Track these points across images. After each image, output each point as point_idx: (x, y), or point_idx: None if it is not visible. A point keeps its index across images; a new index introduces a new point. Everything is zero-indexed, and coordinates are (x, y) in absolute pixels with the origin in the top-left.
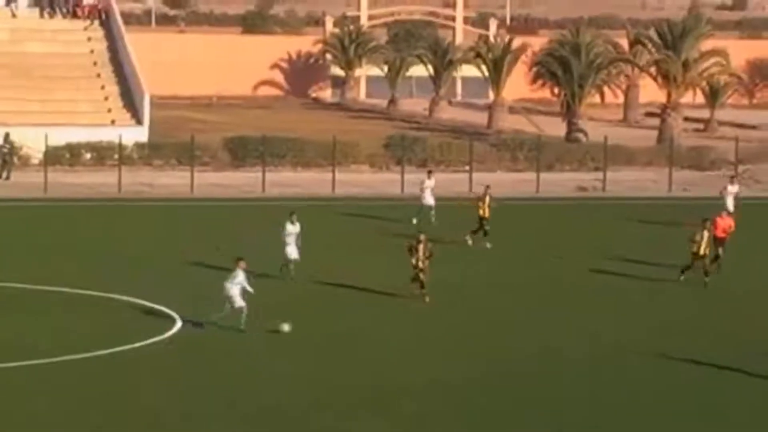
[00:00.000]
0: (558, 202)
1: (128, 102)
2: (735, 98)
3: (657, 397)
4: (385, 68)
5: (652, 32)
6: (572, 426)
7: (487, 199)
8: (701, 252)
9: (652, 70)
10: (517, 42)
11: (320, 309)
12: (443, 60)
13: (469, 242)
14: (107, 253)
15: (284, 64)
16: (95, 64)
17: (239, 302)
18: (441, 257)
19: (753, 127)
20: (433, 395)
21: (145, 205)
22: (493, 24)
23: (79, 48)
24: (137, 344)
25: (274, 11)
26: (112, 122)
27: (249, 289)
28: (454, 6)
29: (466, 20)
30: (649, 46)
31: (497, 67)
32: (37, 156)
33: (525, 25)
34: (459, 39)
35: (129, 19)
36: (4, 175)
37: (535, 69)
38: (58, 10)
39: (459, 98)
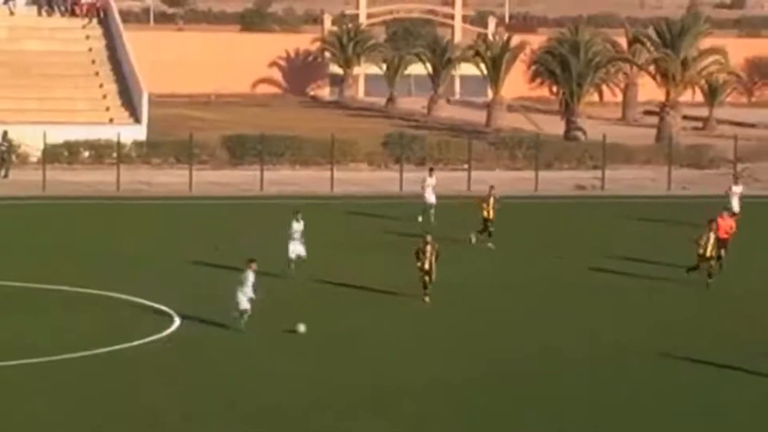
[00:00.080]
0: (557, 201)
1: (126, 100)
2: (734, 96)
3: (657, 397)
4: (384, 66)
5: (650, 31)
6: (572, 426)
7: (491, 200)
8: (707, 254)
9: (651, 68)
10: (515, 40)
11: (320, 308)
12: (442, 58)
13: (473, 240)
14: (105, 251)
15: (283, 63)
16: (93, 62)
17: (244, 305)
18: (442, 257)
19: (752, 126)
20: (433, 395)
21: (144, 203)
22: (491, 22)
23: (78, 46)
24: (135, 342)
25: (272, 9)
26: (111, 120)
27: (252, 295)
28: (452, 4)
29: (464, 18)
30: (648, 44)
31: (496, 65)
32: (35, 154)
33: (524, 24)
34: (458, 37)
35: (127, 17)
36: (3, 173)
37: (533, 67)
38: (56, 8)
39: (458, 97)
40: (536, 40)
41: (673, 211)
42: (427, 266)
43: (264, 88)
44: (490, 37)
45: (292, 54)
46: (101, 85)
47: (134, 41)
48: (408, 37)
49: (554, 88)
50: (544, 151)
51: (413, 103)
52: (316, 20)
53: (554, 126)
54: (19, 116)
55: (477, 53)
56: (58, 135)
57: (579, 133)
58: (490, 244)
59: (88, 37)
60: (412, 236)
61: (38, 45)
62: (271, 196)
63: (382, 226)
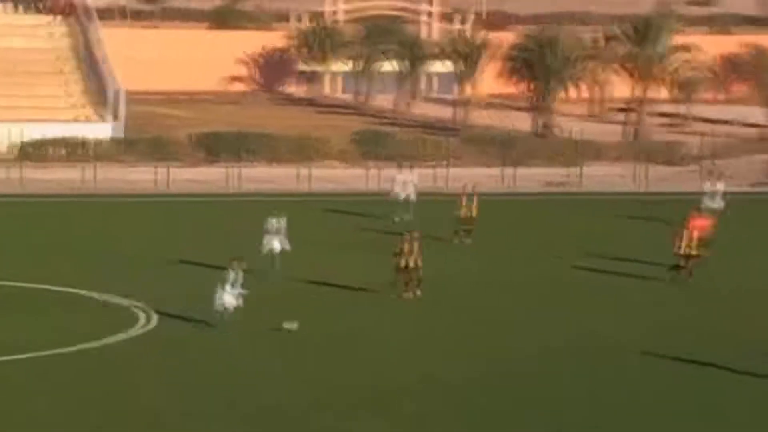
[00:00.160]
0: (529, 198)
1: (101, 98)
2: (706, 93)
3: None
4: (356, 64)
5: (623, 27)
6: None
7: (473, 198)
8: (683, 252)
9: (624, 65)
10: (488, 37)
11: (313, 307)
12: (414, 55)
13: (456, 240)
14: (81, 249)
15: (254, 60)
16: (67, 59)
17: (230, 301)
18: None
19: (724, 122)
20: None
21: (119, 201)
22: (465, 19)
23: (52, 43)
24: (107, 341)
25: (243, 7)
26: (85, 118)
27: (240, 291)
28: (427, 2)
29: (437, 16)
30: (620, 41)
31: (468, 62)
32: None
33: (497, 21)
34: (430, 34)
35: (102, 14)
36: None
37: (506, 64)
38: (32, 5)
39: (430, 93)
40: (509, 38)
41: (646, 207)
42: (411, 264)
43: (235, 86)
44: (463, 34)
45: (264, 51)
46: (75, 83)
47: (109, 38)
48: (380, 34)
49: (526, 85)
50: (516, 148)
51: (386, 100)
52: (287, 18)
53: (526, 123)
54: None
55: (449, 50)
56: (32, 132)
57: (551, 130)
58: (466, 240)
59: (62, 35)
60: (391, 234)
61: (12, 42)
62: (247, 194)
63: (359, 224)
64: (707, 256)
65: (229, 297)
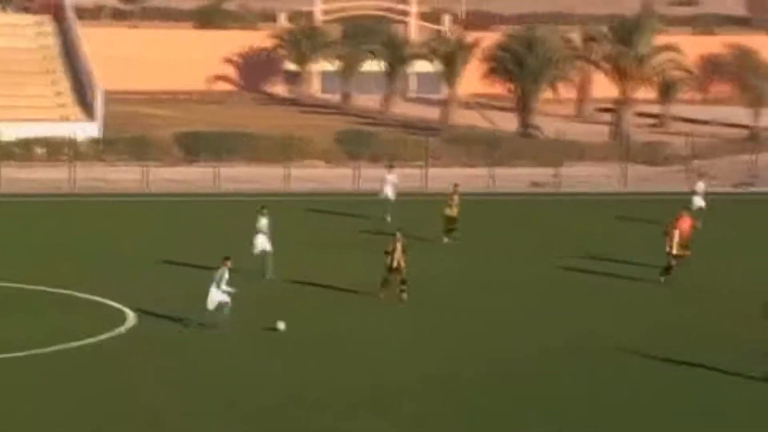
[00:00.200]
0: (513, 198)
1: (81, 97)
2: (688, 94)
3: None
4: (339, 63)
5: (605, 28)
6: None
7: (456, 197)
8: (675, 252)
9: (606, 65)
10: (471, 37)
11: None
12: (397, 55)
13: (445, 240)
14: (61, 249)
15: (238, 60)
16: (48, 59)
17: (224, 299)
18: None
19: (705, 123)
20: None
21: (99, 200)
22: (447, 19)
23: (32, 43)
24: (90, 341)
25: (227, 6)
26: (66, 118)
27: (230, 289)
28: (408, 2)
29: (420, 16)
30: (603, 41)
31: (450, 62)
32: None
33: (480, 21)
34: (413, 34)
35: (82, 14)
36: None
37: (489, 64)
38: (11, 4)
39: (413, 93)
40: (492, 37)
41: (632, 208)
42: (395, 264)
43: (219, 85)
44: (445, 34)
45: (247, 51)
46: (56, 83)
47: (89, 38)
48: (363, 34)
49: (509, 85)
50: (500, 148)
51: (368, 100)
52: (272, 18)
53: (510, 123)
54: None
55: (432, 50)
56: (12, 132)
57: (534, 130)
58: (445, 239)
59: (42, 34)
60: (375, 234)
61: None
62: (227, 193)
63: (344, 224)
64: (689, 256)
65: (218, 294)
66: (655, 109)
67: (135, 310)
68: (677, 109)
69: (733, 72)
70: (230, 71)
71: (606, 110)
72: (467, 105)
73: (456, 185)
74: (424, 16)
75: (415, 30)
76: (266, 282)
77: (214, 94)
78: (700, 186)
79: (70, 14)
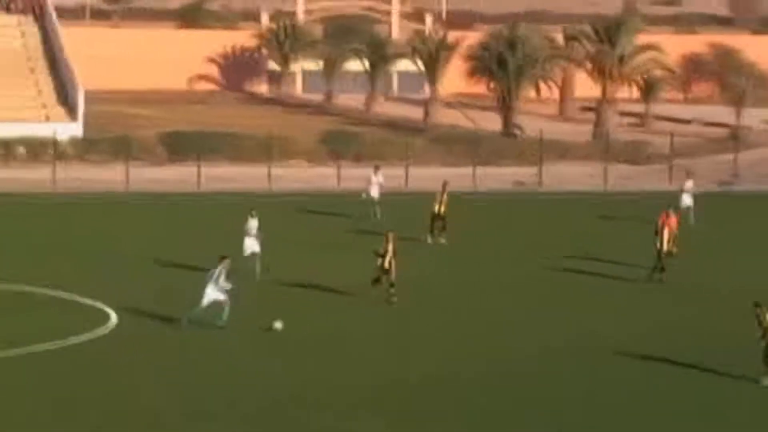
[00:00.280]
0: (497, 197)
1: (63, 97)
2: (670, 93)
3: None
4: (322, 63)
5: (587, 27)
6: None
7: (444, 196)
8: (666, 250)
9: (588, 64)
10: (453, 36)
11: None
12: (379, 55)
13: (429, 240)
14: (43, 249)
15: (220, 59)
16: (29, 58)
17: (222, 298)
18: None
19: (687, 122)
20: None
21: (81, 200)
22: (429, 18)
23: (13, 42)
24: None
25: (209, 6)
26: (47, 117)
27: (228, 287)
28: (390, 1)
29: (402, 15)
30: (584, 40)
31: (433, 61)
32: None
33: (462, 20)
34: (395, 34)
35: (64, 14)
36: None
37: (471, 64)
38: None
39: (395, 93)
40: (474, 37)
41: (614, 207)
42: (386, 265)
43: (202, 85)
44: (427, 33)
45: (230, 50)
46: (37, 82)
47: (70, 37)
48: (346, 33)
49: (491, 85)
50: (482, 148)
51: (351, 99)
52: (254, 17)
53: (492, 122)
54: None
55: (414, 50)
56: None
57: (516, 130)
58: (429, 239)
59: (23, 34)
60: (362, 233)
61: None
62: (210, 193)
63: (329, 223)
64: (677, 252)
65: (214, 293)
66: (637, 108)
67: (117, 309)
68: (659, 109)
69: (714, 71)
70: (213, 71)
71: (588, 109)
72: (450, 104)
73: (445, 183)
74: (406, 16)
75: (397, 29)
76: (261, 283)
77: (196, 94)
78: (689, 184)
79: (52, 14)
